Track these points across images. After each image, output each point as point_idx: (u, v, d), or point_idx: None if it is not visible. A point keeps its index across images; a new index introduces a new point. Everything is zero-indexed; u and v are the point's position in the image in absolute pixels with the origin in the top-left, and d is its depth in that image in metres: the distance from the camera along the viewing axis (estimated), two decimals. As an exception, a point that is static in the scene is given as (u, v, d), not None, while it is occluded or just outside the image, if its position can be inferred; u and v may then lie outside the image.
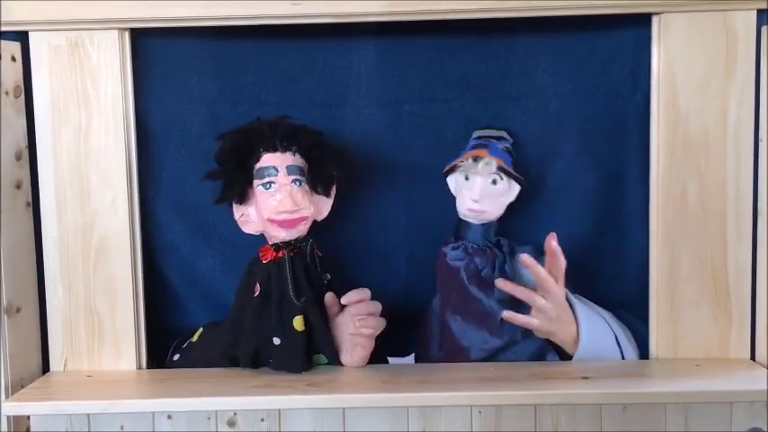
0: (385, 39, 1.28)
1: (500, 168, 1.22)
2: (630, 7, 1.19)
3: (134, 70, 1.24)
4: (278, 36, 1.27)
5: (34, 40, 1.22)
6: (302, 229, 1.22)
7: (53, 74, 1.22)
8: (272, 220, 1.20)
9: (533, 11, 1.18)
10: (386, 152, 1.32)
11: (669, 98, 1.21)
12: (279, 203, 1.19)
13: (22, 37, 1.22)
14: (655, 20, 1.21)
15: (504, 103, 1.30)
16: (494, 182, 1.23)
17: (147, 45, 1.26)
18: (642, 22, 1.22)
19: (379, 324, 1.20)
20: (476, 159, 1.22)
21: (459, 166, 1.24)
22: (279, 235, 1.21)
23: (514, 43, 1.28)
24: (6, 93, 1.20)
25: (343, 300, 1.20)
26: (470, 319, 1.25)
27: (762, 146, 1.21)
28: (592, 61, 1.28)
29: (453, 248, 1.26)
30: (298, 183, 1.20)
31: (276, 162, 1.20)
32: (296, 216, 1.20)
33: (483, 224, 1.26)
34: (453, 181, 1.27)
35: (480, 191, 1.22)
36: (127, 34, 1.22)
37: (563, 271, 1.19)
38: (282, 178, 1.20)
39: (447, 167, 1.27)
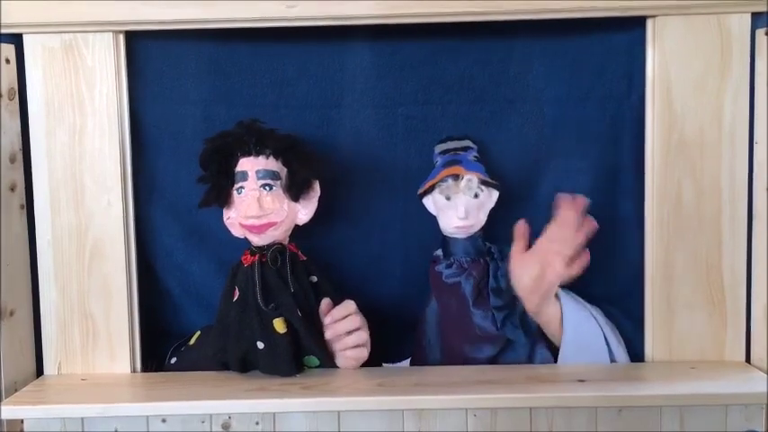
0: (380, 41, 1.28)
1: (480, 181, 1.23)
2: (625, 10, 1.19)
3: (129, 72, 1.24)
4: (273, 38, 1.26)
5: (28, 42, 1.22)
6: (275, 235, 1.21)
7: (47, 76, 1.22)
8: (242, 225, 1.21)
9: (528, 14, 1.18)
10: (381, 154, 1.32)
11: (664, 100, 1.21)
12: (246, 208, 1.19)
13: (16, 39, 1.22)
14: (649, 23, 1.21)
15: (499, 106, 1.30)
16: (476, 195, 1.23)
17: (142, 47, 1.26)
18: (637, 24, 1.22)
19: (360, 340, 1.19)
20: (455, 178, 1.22)
21: (438, 187, 1.24)
22: (252, 239, 1.21)
23: (509, 46, 1.28)
24: (0, 95, 1.20)
25: (327, 319, 1.20)
26: (469, 334, 1.24)
27: (756, 148, 1.21)
28: (587, 64, 1.28)
29: (447, 266, 1.26)
30: (268, 188, 1.20)
31: (248, 167, 1.20)
32: (263, 221, 1.19)
33: (470, 236, 1.26)
34: (431, 202, 1.27)
35: (465, 209, 1.22)
36: (121, 36, 1.22)
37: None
38: (251, 183, 1.19)
39: (422, 189, 1.27)
